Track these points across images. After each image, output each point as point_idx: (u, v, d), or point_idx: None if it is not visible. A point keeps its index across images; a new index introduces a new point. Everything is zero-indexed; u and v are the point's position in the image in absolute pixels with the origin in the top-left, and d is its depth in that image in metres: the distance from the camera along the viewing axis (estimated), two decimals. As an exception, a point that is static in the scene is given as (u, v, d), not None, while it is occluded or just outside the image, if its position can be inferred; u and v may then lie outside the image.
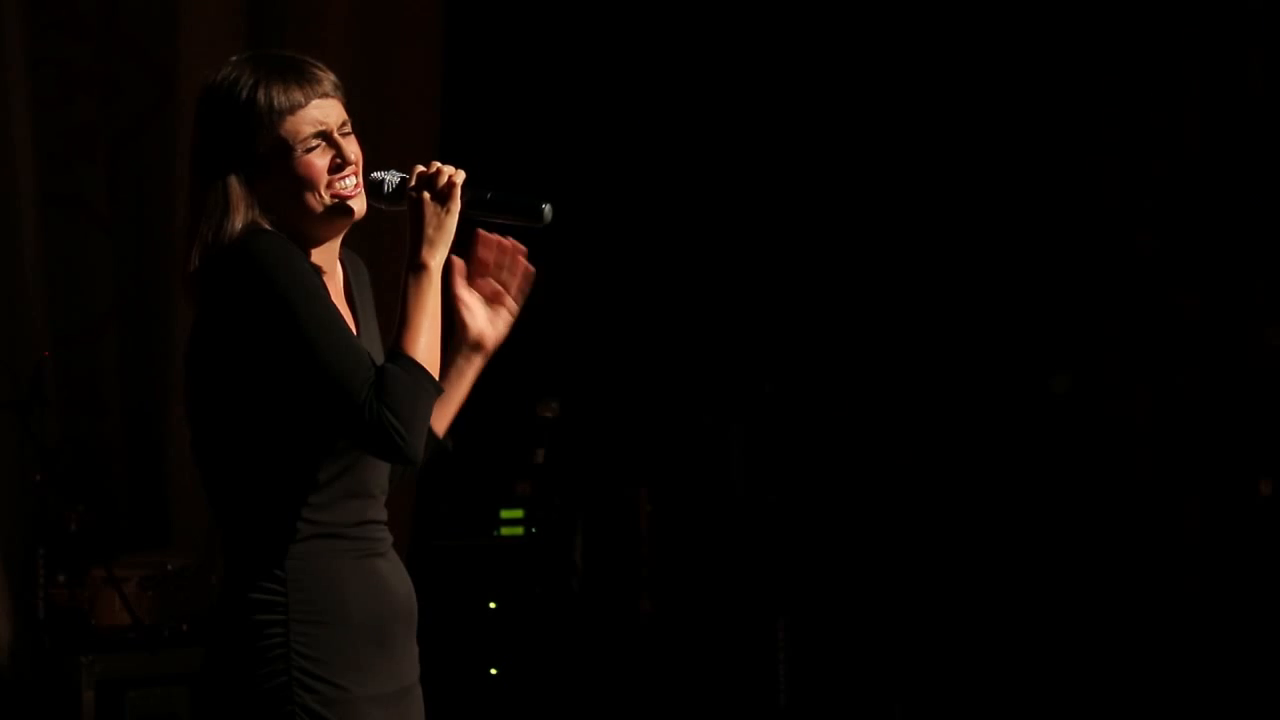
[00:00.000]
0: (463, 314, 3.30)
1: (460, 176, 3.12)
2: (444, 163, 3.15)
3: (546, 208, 3.13)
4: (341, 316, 3.06)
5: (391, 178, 3.16)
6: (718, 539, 7.74)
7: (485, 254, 3.30)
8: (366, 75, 7.25)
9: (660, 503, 7.61)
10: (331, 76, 3.14)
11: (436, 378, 3.06)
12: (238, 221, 3.06)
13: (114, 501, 7.21)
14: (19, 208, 7.05)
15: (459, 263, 3.28)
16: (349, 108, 3.16)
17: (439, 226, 3.09)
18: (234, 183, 3.07)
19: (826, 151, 7.93)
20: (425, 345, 3.05)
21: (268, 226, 3.06)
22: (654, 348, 7.95)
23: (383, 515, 3.18)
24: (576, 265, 7.68)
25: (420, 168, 3.13)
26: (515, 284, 3.31)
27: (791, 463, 7.83)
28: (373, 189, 3.15)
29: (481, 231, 3.29)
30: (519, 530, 7.31)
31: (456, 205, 3.10)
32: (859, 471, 7.80)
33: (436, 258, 3.09)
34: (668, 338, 7.95)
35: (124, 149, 7.51)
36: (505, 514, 7.32)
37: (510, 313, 3.32)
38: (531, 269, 3.31)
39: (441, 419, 3.30)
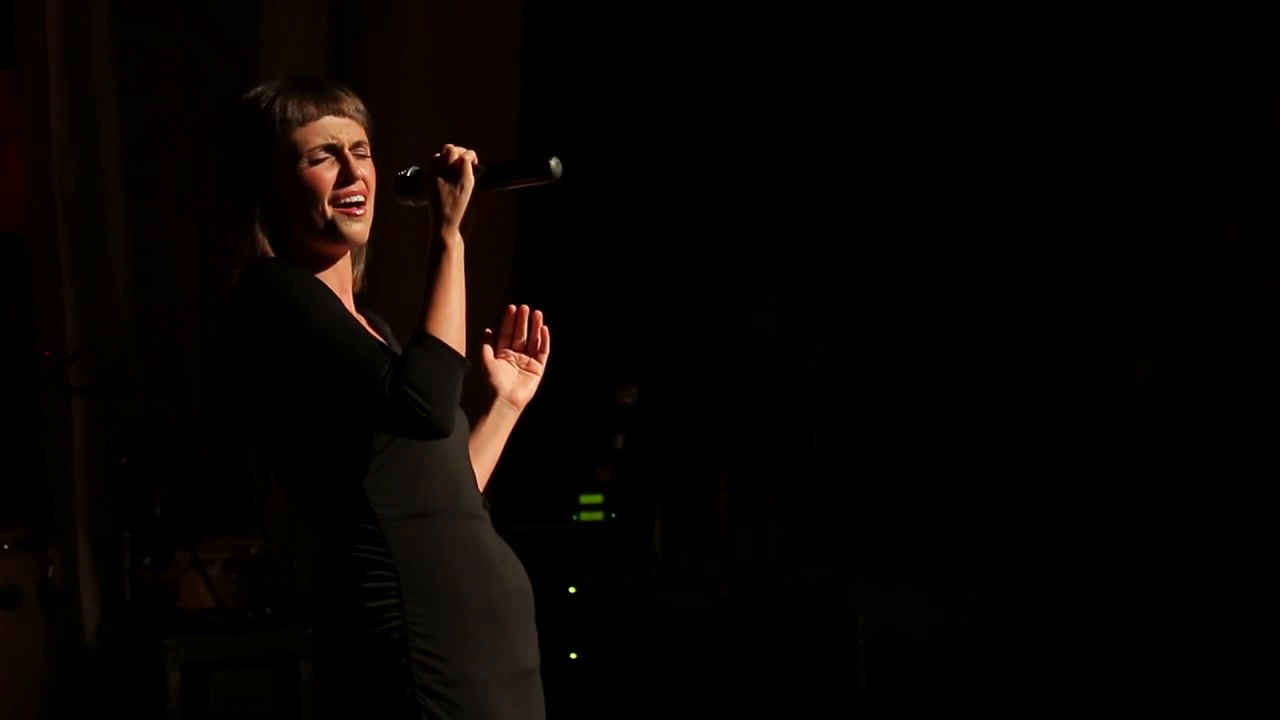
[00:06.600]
0: (492, 381, 3.41)
1: (471, 155, 3.15)
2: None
3: (554, 162, 3.16)
4: (353, 316, 3.10)
5: (416, 168, 3.20)
6: (796, 525, 7.74)
7: (507, 326, 3.43)
8: (447, 61, 7.26)
9: (739, 489, 7.61)
10: (356, 102, 3.21)
11: (463, 353, 3.08)
12: (252, 246, 3.12)
13: (197, 485, 7.27)
14: (105, 194, 7.11)
15: (486, 333, 3.42)
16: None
17: (454, 204, 3.12)
18: (251, 202, 3.14)
19: (910, 144, 7.91)
20: (449, 323, 3.06)
21: (272, 255, 3.13)
22: (734, 335, 7.95)
23: (476, 493, 3.21)
24: (657, 252, 7.69)
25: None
26: (539, 349, 3.45)
27: (868, 450, 7.81)
28: (398, 182, 3.20)
29: (510, 307, 3.43)
30: (599, 515, 7.33)
31: (469, 181, 3.13)
32: (934, 457, 7.77)
33: (456, 235, 3.11)
34: (748, 325, 7.94)
35: (208, 135, 7.56)
36: (585, 499, 7.34)
37: (537, 374, 3.45)
38: (547, 330, 3.44)
39: (479, 475, 3.34)
